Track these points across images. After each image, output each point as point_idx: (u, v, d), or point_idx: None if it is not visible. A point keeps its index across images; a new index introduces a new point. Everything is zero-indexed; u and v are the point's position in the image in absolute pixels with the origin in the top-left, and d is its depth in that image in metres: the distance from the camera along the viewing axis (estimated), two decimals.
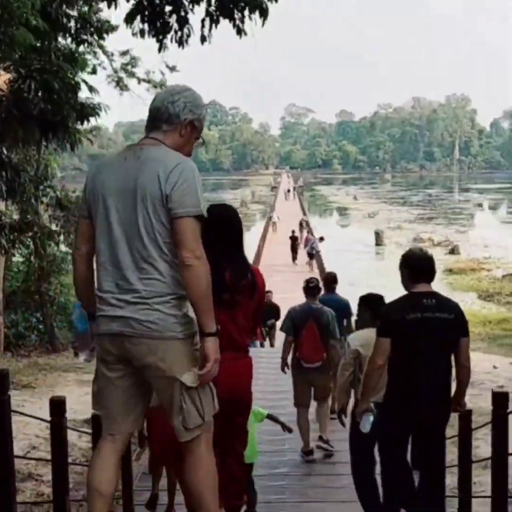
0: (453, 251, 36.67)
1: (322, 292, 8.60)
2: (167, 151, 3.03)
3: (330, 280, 9.39)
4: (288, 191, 76.76)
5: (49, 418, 4.30)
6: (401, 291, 4.19)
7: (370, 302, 5.25)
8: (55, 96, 6.00)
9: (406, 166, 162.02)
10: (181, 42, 6.10)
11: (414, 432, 4.38)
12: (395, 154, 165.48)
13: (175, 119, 3.08)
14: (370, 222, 57.25)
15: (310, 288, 7.70)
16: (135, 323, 2.94)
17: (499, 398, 4.35)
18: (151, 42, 6.25)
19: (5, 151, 7.88)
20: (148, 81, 16.02)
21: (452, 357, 4.31)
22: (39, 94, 6.04)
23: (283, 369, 7.66)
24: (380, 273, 31.06)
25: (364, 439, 4.74)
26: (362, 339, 4.95)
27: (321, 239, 31.38)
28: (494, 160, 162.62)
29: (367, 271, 31.08)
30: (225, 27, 6.02)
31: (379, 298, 5.23)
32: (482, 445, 8.02)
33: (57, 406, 4.08)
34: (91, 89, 6.69)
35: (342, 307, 8.82)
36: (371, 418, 4.38)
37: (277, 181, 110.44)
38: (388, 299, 4.80)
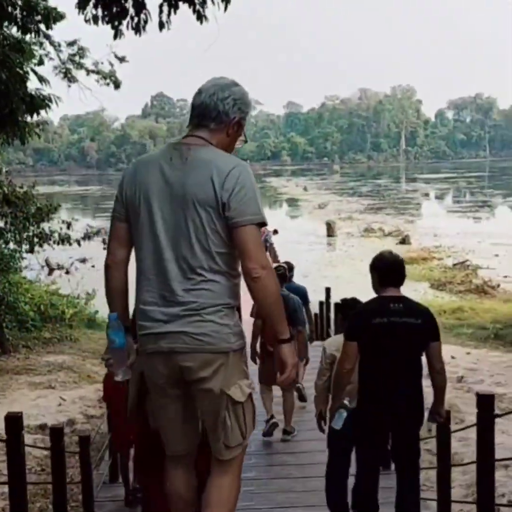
0: (404, 241, 36.92)
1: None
2: (218, 153, 2.80)
3: (288, 269, 9.35)
4: None
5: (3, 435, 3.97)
6: (353, 282, 4.13)
7: (343, 307, 5.17)
8: (3, 87, 5.62)
9: (354, 157, 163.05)
10: (138, 29, 5.75)
11: (385, 434, 4.33)
12: (343, 145, 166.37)
13: (224, 118, 2.84)
14: (320, 213, 57.40)
15: (278, 275, 7.37)
16: (187, 337, 2.74)
17: (484, 400, 4.21)
18: (97, 31, 5.90)
19: None
20: (97, 72, 15.55)
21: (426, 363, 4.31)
22: None
23: (253, 359, 7.64)
24: (332, 264, 31.10)
25: (341, 438, 4.67)
26: (337, 344, 4.84)
27: (275, 231, 31.21)
28: (439, 150, 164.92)
29: (319, 262, 31.06)
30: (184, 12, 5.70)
31: (352, 301, 5.09)
32: (455, 446, 7.98)
33: (14, 422, 3.76)
34: (41, 79, 6.27)
35: (300, 295, 8.89)
36: (344, 414, 4.30)
37: None
38: (341, 290, 4.76)
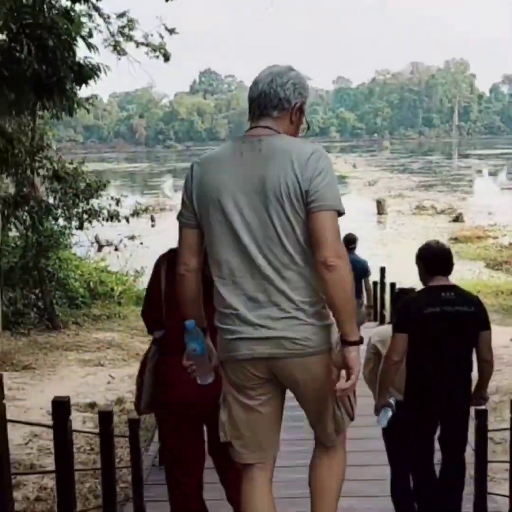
0: (457, 219, 36.06)
1: None
2: (292, 140, 2.66)
3: (350, 241, 9.50)
4: None
5: (51, 420, 3.77)
6: (404, 261, 3.97)
7: (398, 298, 4.90)
8: (50, 55, 5.38)
9: (405, 133, 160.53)
10: None
11: (433, 424, 4.34)
12: (394, 120, 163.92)
13: (285, 104, 2.68)
14: (370, 190, 56.59)
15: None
16: (287, 342, 2.58)
17: None
18: (147, 2, 5.60)
19: None
20: (147, 45, 15.31)
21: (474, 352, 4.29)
22: (33, 52, 5.42)
23: None
24: (383, 242, 30.52)
25: (395, 434, 4.56)
26: (381, 335, 4.79)
27: None
28: (493, 125, 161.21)
29: (369, 241, 30.43)
30: None
31: (408, 291, 4.85)
32: None
33: (61, 407, 3.55)
34: (89, 46, 6.02)
35: (360, 267, 9.17)
36: (389, 413, 4.20)
37: None
38: (392, 270, 4.61)
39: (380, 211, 42.12)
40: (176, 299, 2.94)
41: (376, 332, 5.03)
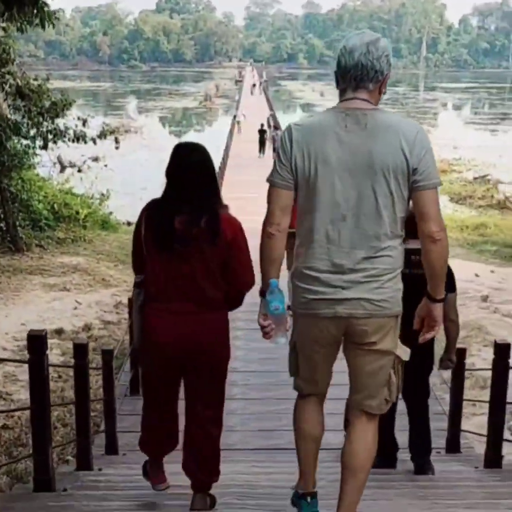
0: None
1: None
2: (397, 117, 2.81)
3: None
4: (254, 85, 74.55)
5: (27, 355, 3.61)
6: None
7: None
8: None
9: None
10: None
11: None
12: None
13: (380, 77, 2.76)
14: None
15: None
16: (367, 303, 2.78)
17: (500, 349, 4.39)
18: None
19: None
20: None
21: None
22: None
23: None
24: None
25: None
26: None
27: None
28: (461, 58, 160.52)
29: None
30: None
31: None
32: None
33: (37, 341, 3.39)
34: None
35: None
36: None
37: (241, 74, 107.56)
38: None
39: None
40: (150, 248, 3.18)
41: None
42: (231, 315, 3.47)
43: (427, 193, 2.70)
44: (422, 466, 4.49)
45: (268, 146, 31.49)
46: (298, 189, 2.78)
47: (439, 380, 6.71)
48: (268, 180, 2.83)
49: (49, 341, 8.33)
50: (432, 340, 4.01)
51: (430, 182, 2.71)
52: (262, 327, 2.89)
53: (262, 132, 32.51)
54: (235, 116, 42.70)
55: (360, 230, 2.72)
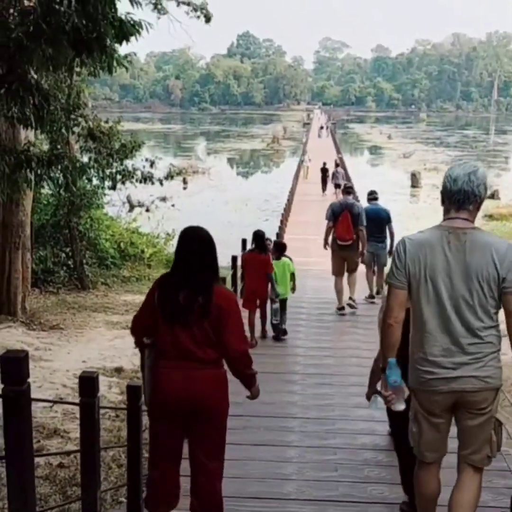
0: (493, 195, 35.24)
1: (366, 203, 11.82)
2: (491, 236, 3.52)
3: (372, 194, 12.08)
4: (322, 128, 74.90)
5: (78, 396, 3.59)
6: None
7: None
8: (91, 9, 5.14)
9: (442, 106, 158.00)
10: None
11: None
12: (431, 92, 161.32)
13: (478, 200, 3.46)
14: (404, 162, 55.76)
15: (346, 188, 11.55)
16: (475, 380, 3.46)
17: None
18: None
19: (33, 74, 7.05)
20: (188, 4, 14.89)
21: None
22: (73, 5, 5.17)
23: (325, 247, 10.99)
24: (416, 216, 30.05)
25: None
26: None
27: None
28: None
29: (402, 214, 29.93)
30: None
31: None
32: None
33: (88, 384, 3.38)
34: (132, 1, 5.73)
35: (384, 215, 11.44)
36: (379, 399, 4.36)
37: (309, 117, 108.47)
38: None
39: (414, 184, 41.46)
40: (160, 315, 3.74)
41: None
42: (293, 358, 3.76)
43: None
44: None
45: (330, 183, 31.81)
46: (411, 288, 3.49)
47: (505, 435, 6.43)
48: (387, 281, 3.60)
49: (109, 379, 8.43)
50: None
51: None
52: (385, 397, 3.66)
53: (324, 170, 33.03)
54: (301, 160, 42.50)
55: (463, 323, 3.42)
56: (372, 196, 12.03)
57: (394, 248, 3.78)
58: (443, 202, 3.51)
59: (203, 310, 3.72)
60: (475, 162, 3.51)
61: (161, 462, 3.89)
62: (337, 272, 10.84)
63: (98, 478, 3.56)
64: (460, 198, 3.41)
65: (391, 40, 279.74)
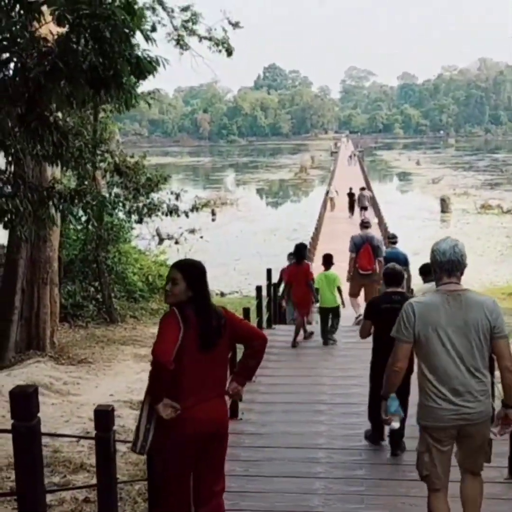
0: None
1: (385, 247, 13.52)
2: (478, 294, 4.35)
3: (393, 237, 13.70)
4: (351, 157, 74.97)
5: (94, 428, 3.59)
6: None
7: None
8: (107, 47, 5.23)
9: (471, 130, 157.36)
10: None
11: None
12: (459, 117, 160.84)
13: (463, 267, 4.22)
14: (434, 188, 55.49)
15: (363, 223, 13.09)
16: (476, 414, 4.19)
17: None
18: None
19: (56, 112, 7.18)
20: (210, 39, 15.11)
21: None
22: (90, 44, 5.28)
23: (348, 279, 12.43)
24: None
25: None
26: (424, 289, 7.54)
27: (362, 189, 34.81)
28: None
29: (433, 239, 29.23)
30: None
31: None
32: None
33: (103, 417, 3.37)
34: (147, 38, 5.80)
35: (402, 258, 12.22)
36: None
37: (337, 146, 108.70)
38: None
39: (444, 209, 41.19)
40: (189, 344, 3.81)
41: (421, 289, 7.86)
42: (319, 388, 3.93)
43: (502, 340, 4.16)
44: (399, 444, 6.26)
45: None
46: (421, 342, 4.17)
47: None
48: (395, 336, 4.24)
49: (135, 412, 8.41)
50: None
51: (503, 333, 4.16)
52: (384, 420, 4.52)
53: (351, 195, 34.74)
54: (327, 192, 41.63)
55: (466, 367, 4.13)
56: (393, 240, 13.60)
57: (403, 309, 4.27)
58: (434, 272, 4.24)
59: (224, 328, 4.01)
60: (454, 237, 4.27)
61: (180, 497, 3.97)
62: (353, 294, 12.46)
63: (116, 508, 3.54)
64: (450, 267, 4.16)
65: (417, 67, 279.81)
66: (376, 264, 12.22)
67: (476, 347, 4.12)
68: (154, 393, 3.81)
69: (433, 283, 6.03)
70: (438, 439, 4.28)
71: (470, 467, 4.43)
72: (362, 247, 12.16)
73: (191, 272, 3.97)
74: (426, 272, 7.70)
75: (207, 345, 3.87)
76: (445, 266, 4.14)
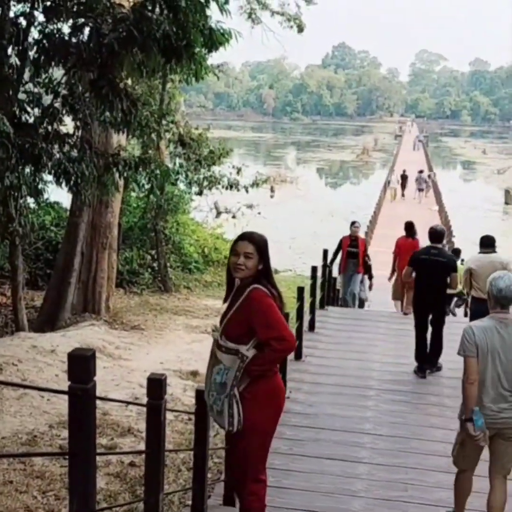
0: None
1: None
2: None
3: (455, 252, 15.01)
4: (419, 141, 73.61)
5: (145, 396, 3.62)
6: None
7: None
8: (181, 17, 5.22)
9: None
10: None
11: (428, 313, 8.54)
12: None
13: None
14: (499, 178, 54.26)
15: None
16: (511, 419, 4.77)
17: None
18: None
19: (126, 80, 7.22)
20: (282, 14, 14.97)
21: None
22: (164, 13, 5.27)
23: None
24: (506, 235, 29.15)
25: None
26: (475, 259, 8.68)
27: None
28: None
29: (493, 231, 28.77)
30: None
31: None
32: None
33: (156, 386, 3.40)
34: (222, 10, 5.76)
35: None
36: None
37: (401, 129, 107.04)
38: None
39: (508, 201, 40.28)
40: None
41: (471, 259, 8.82)
42: (368, 373, 3.80)
43: None
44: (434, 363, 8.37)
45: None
46: (478, 359, 4.72)
47: None
48: (462, 355, 4.76)
49: (184, 382, 8.52)
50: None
51: None
52: (474, 436, 4.68)
53: (404, 177, 37.14)
54: (388, 181, 40.09)
55: (508, 381, 4.74)
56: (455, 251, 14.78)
57: (464, 331, 4.86)
58: (490, 300, 4.89)
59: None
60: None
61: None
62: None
63: (162, 480, 3.58)
64: (505, 302, 4.86)
65: (491, 53, 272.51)
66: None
67: None
68: None
69: (482, 255, 8.40)
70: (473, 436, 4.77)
71: (500, 470, 4.92)
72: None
73: (263, 245, 3.81)
74: (482, 243, 8.52)
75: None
76: (501, 301, 4.87)
